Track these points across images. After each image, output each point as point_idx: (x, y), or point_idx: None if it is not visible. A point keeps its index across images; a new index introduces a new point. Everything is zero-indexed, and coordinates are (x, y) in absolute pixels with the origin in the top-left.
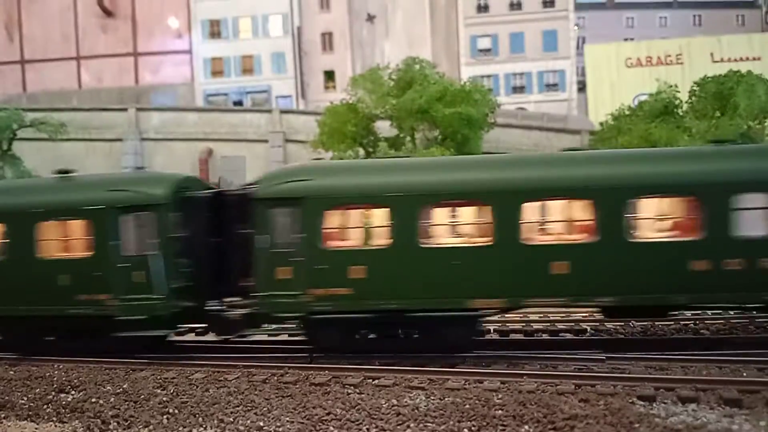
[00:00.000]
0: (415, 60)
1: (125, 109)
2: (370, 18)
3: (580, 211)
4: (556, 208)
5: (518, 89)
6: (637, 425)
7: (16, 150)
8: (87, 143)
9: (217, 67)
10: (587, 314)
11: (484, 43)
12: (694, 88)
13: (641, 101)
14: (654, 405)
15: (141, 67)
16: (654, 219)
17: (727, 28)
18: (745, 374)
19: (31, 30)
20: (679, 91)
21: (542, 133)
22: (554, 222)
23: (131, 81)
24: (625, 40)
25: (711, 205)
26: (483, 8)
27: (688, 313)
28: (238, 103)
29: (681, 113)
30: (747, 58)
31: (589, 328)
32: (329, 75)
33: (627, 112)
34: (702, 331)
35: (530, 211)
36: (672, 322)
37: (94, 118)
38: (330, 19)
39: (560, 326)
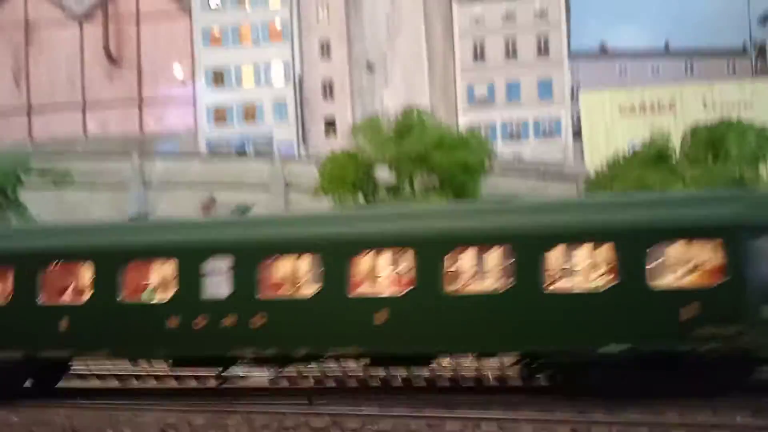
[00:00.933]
0: (413, 108)
1: (129, 157)
2: (370, 66)
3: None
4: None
5: (515, 136)
6: None
7: (23, 197)
8: (92, 192)
9: (220, 115)
10: None
11: (481, 91)
12: (686, 135)
13: (635, 150)
14: None
15: (146, 115)
16: None
17: (719, 75)
18: (738, 418)
19: (38, 77)
20: (671, 139)
21: (539, 180)
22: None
23: (136, 129)
24: (619, 87)
25: None
26: (479, 57)
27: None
28: (241, 149)
29: (674, 160)
30: (738, 105)
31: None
32: (330, 122)
33: (621, 161)
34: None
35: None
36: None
37: (98, 166)
38: (330, 68)
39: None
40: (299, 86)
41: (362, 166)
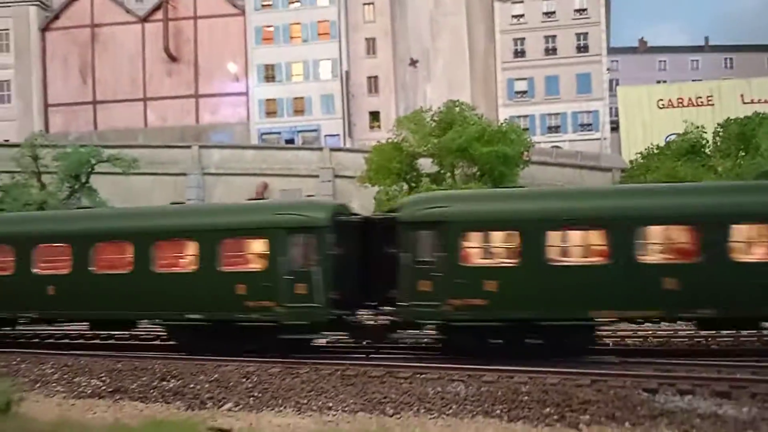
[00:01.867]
0: (456, 103)
1: (189, 147)
2: (413, 63)
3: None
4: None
5: (553, 129)
6: (639, 408)
7: (93, 183)
8: (154, 177)
9: (270, 108)
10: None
11: (521, 85)
12: (718, 129)
13: (669, 141)
14: (656, 395)
15: (201, 107)
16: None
17: (758, 70)
18: (738, 375)
19: (103, 74)
20: (705, 132)
21: (575, 170)
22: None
23: (192, 120)
24: (658, 82)
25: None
26: (520, 53)
27: (703, 332)
28: (290, 141)
29: (707, 153)
30: None
31: (611, 343)
32: (374, 116)
33: (656, 151)
34: (712, 346)
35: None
36: (687, 339)
37: (160, 154)
38: (376, 64)
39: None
40: (346, 81)
41: (406, 156)
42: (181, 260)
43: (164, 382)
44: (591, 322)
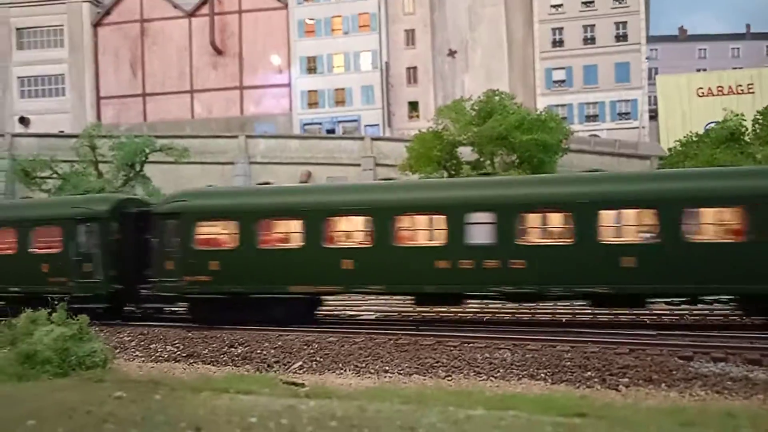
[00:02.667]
0: (495, 92)
1: (236, 137)
2: (452, 53)
3: None
4: None
5: (591, 117)
6: (674, 372)
7: (146, 171)
8: (203, 166)
9: (312, 99)
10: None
11: (559, 75)
12: (758, 116)
13: (709, 130)
14: (691, 362)
15: (246, 99)
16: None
17: None
18: None
19: (152, 67)
20: (745, 119)
21: (613, 158)
22: None
23: (237, 112)
24: (698, 70)
25: None
26: (558, 43)
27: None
28: (331, 131)
29: (747, 140)
30: None
31: (647, 320)
32: (413, 105)
33: (695, 139)
34: (747, 321)
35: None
36: (723, 316)
37: (209, 144)
38: (414, 55)
39: (622, 317)
40: (385, 72)
41: (447, 145)
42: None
43: (232, 349)
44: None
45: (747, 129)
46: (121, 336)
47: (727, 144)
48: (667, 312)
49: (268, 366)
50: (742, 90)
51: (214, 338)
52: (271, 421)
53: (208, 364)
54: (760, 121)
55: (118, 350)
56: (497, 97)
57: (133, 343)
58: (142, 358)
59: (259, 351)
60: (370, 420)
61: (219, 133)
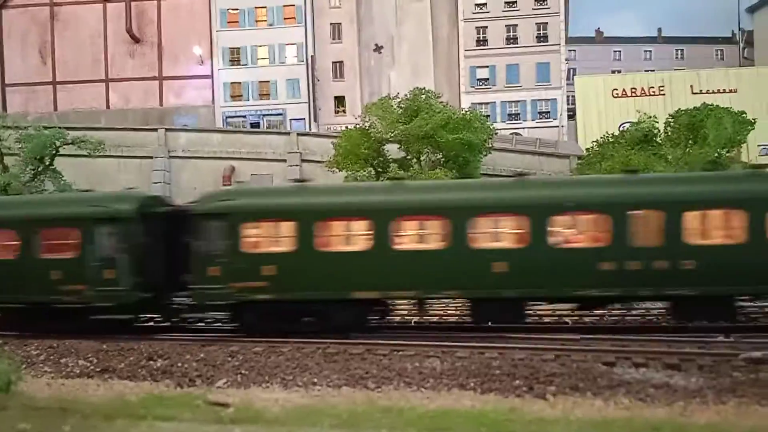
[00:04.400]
0: (422, 90)
1: (155, 130)
2: (378, 48)
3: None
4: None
5: (513, 116)
6: (599, 379)
7: (56, 165)
8: (119, 160)
9: (236, 91)
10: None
11: (483, 73)
12: (669, 119)
13: (623, 130)
14: (614, 368)
15: (165, 90)
16: None
17: (707, 62)
18: (686, 349)
19: (63, 54)
20: (657, 122)
21: (535, 157)
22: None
23: (156, 103)
24: (613, 72)
25: None
26: (482, 41)
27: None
28: (255, 124)
29: (659, 141)
30: (724, 91)
31: (569, 321)
32: (340, 100)
33: (611, 140)
34: (663, 323)
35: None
36: (639, 317)
37: (126, 137)
38: (341, 49)
39: (546, 319)
40: (311, 66)
41: (374, 142)
42: None
43: (151, 362)
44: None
45: (659, 131)
46: (28, 349)
47: (640, 145)
48: (587, 313)
49: (190, 381)
50: (654, 92)
51: (131, 350)
52: None
53: (125, 379)
54: (672, 123)
55: (24, 366)
56: (423, 96)
57: (41, 357)
58: (52, 374)
59: (180, 364)
60: None
61: (136, 126)
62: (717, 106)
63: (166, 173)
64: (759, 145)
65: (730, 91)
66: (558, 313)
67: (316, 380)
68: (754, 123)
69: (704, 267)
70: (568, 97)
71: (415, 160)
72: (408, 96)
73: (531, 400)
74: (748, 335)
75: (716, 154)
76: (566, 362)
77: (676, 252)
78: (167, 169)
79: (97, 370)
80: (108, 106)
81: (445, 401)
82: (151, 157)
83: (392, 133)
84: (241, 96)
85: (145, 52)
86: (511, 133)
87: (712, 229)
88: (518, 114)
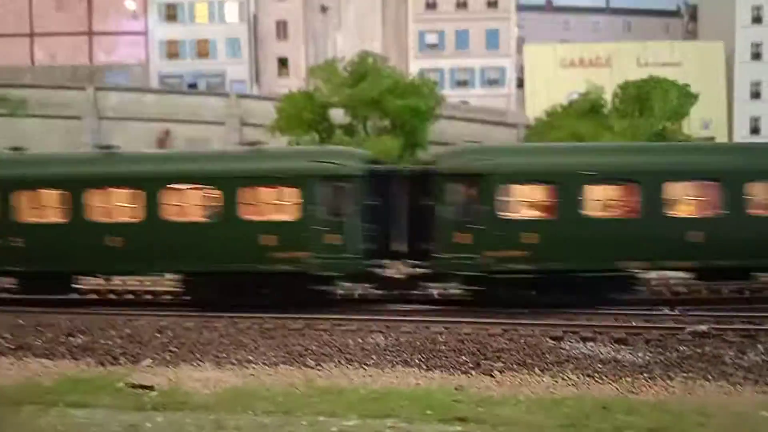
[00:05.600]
0: (369, 54)
1: (83, 88)
2: (324, 9)
3: None
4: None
5: (462, 83)
6: (547, 354)
7: None
8: (44, 120)
9: (172, 50)
10: None
11: (432, 38)
12: (617, 90)
13: (571, 100)
14: (561, 342)
15: (95, 46)
16: None
17: (654, 34)
18: (633, 323)
19: None
20: (605, 93)
21: (483, 125)
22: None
23: (85, 60)
24: (562, 41)
25: None
26: (431, 6)
27: None
28: (193, 85)
29: (606, 112)
30: (669, 64)
31: None
32: (283, 62)
33: (559, 110)
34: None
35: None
36: None
37: (52, 95)
38: (285, 9)
39: None
40: (253, 25)
41: (318, 106)
42: None
43: (71, 338)
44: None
45: (606, 102)
46: None
47: (588, 116)
48: None
49: (114, 359)
50: (601, 63)
51: (49, 326)
52: None
53: (42, 357)
54: (620, 95)
55: None
56: (371, 60)
57: None
58: None
59: (102, 341)
60: None
61: (64, 84)
62: (664, 78)
63: (96, 136)
64: (700, 119)
65: (675, 65)
66: None
67: (251, 357)
68: (698, 96)
69: None
70: (517, 66)
71: (361, 126)
72: (354, 59)
73: (478, 377)
74: (693, 308)
75: (661, 126)
76: (514, 337)
77: None
78: (97, 132)
79: (12, 347)
80: (33, 62)
81: (389, 379)
82: (79, 118)
83: (337, 97)
84: (178, 55)
85: (73, 5)
86: (459, 101)
87: None
88: (467, 81)
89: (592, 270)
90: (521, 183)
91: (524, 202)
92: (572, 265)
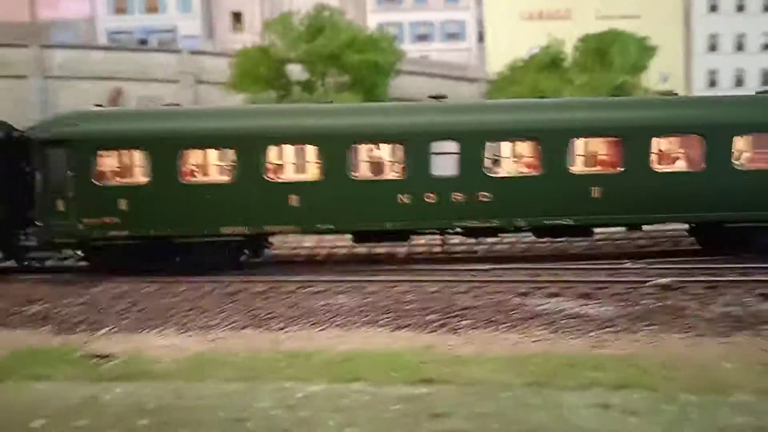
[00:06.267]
0: (325, 7)
1: (26, 46)
2: None
3: None
4: None
5: (422, 38)
6: (513, 312)
7: None
8: None
9: (119, 4)
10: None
11: None
12: (577, 44)
13: (532, 54)
14: (527, 299)
15: (38, 1)
16: None
17: None
18: (596, 277)
19: None
20: (565, 46)
21: (444, 80)
22: None
23: (26, 15)
24: None
25: None
26: None
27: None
28: (143, 42)
29: (566, 66)
30: (628, 16)
31: (479, 250)
32: (237, 17)
33: (520, 64)
34: (570, 250)
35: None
36: (549, 243)
37: None
38: None
39: (457, 248)
40: None
41: (274, 62)
42: None
43: (28, 306)
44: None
45: (566, 55)
46: None
47: (549, 70)
48: (498, 241)
49: (72, 327)
50: (561, 15)
51: (4, 295)
52: (63, 425)
53: None
54: (580, 48)
55: None
56: (327, 13)
57: None
58: None
59: (61, 308)
60: (189, 411)
61: (4, 42)
62: (623, 31)
63: (43, 94)
64: (658, 72)
65: (634, 17)
66: (468, 242)
67: (215, 322)
68: (656, 50)
69: None
70: (477, 19)
71: (319, 82)
72: (311, 13)
73: (445, 336)
74: (654, 261)
75: (620, 80)
76: (479, 294)
77: None
78: (44, 90)
79: None
80: None
81: (356, 341)
82: (24, 77)
83: (294, 52)
84: (125, 10)
85: None
86: (419, 56)
87: None
88: (427, 35)
89: (190, 236)
90: (110, 149)
91: (116, 168)
92: (169, 231)
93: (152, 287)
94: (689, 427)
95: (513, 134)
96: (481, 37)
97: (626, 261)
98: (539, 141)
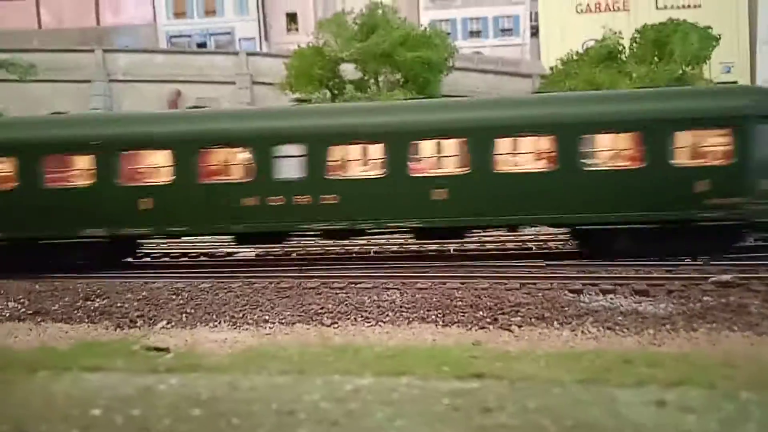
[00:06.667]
0: (378, 5)
1: (92, 51)
2: None
3: None
4: None
5: (475, 34)
6: (566, 308)
7: None
8: (54, 85)
9: (179, 8)
10: (534, 235)
11: None
12: (635, 35)
13: (587, 47)
14: (581, 296)
15: (102, 7)
16: None
17: None
18: (654, 273)
19: None
20: (622, 38)
21: (497, 76)
22: None
23: (92, 22)
24: None
25: None
26: None
27: None
28: (202, 45)
29: (623, 59)
30: (689, 6)
31: (534, 246)
32: (292, 17)
33: (575, 57)
34: None
35: None
36: None
37: (60, 59)
38: None
39: (509, 245)
40: None
41: (328, 62)
42: None
43: (89, 302)
44: None
45: (624, 48)
46: None
47: (605, 63)
48: (551, 238)
49: (131, 322)
50: (618, 7)
51: (66, 290)
52: (119, 413)
53: (60, 322)
54: (638, 39)
55: None
56: (380, 11)
57: None
58: None
59: (120, 304)
60: (242, 403)
61: (72, 47)
62: (684, 21)
63: (107, 98)
64: (720, 63)
65: (695, 6)
66: (521, 239)
67: (267, 317)
68: (719, 39)
69: None
70: (531, 13)
71: (372, 80)
72: (364, 12)
73: (496, 332)
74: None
75: (680, 71)
76: (531, 291)
77: None
78: (107, 94)
79: (29, 312)
80: (40, 26)
81: (405, 336)
82: (89, 81)
83: (348, 51)
84: (185, 13)
85: None
86: (473, 52)
87: None
88: (480, 32)
89: (53, 237)
90: None
91: None
92: (31, 233)
93: (208, 282)
94: (750, 424)
95: (360, 136)
96: (534, 32)
97: (686, 258)
98: (385, 144)
